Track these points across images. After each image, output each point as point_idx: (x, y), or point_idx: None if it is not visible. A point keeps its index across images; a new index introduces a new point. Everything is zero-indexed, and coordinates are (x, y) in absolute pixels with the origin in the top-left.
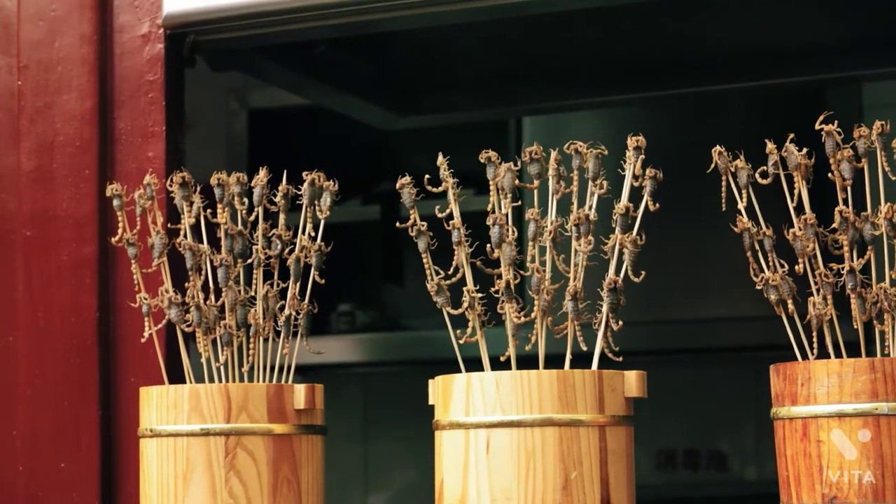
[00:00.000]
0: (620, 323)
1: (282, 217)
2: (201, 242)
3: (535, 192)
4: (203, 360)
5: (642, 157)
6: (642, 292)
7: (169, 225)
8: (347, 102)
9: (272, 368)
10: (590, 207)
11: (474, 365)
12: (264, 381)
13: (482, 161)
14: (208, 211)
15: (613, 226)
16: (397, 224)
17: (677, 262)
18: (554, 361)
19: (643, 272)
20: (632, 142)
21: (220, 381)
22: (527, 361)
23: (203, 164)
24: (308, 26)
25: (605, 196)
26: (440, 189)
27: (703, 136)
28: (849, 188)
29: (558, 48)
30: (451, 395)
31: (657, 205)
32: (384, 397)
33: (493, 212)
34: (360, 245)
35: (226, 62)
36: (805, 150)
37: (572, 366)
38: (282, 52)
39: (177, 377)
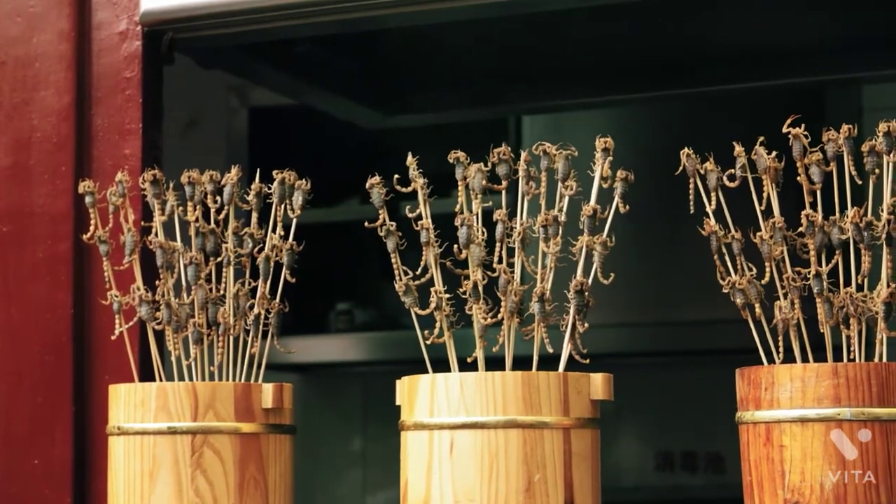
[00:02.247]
0: (586, 325)
1: (254, 215)
2: (177, 240)
3: (504, 192)
4: (173, 358)
5: (610, 158)
6: (644, 294)
7: (143, 222)
8: (335, 101)
9: (251, 366)
10: (560, 209)
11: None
12: (238, 379)
13: (450, 161)
14: (180, 209)
15: (581, 227)
16: (366, 224)
17: (680, 264)
18: (527, 363)
19: (612, 274)
20: (599, 143)
21: (191, 379)
22: (498, 363)
23: (203, 162)
24: (286, 25)
25: (576, 197)
26: (409, 189)
27: (700, 137)
28: (818, 192)
29: (550, 47)
30: (416, 395)
31: (627, 207)
32: (383, 396)
33: (462, 212)
34: (358, 244)
35: (210, 60)
36: (774, 153)
37: (547, 368)
38: (268, 51)
39: (151, 375)
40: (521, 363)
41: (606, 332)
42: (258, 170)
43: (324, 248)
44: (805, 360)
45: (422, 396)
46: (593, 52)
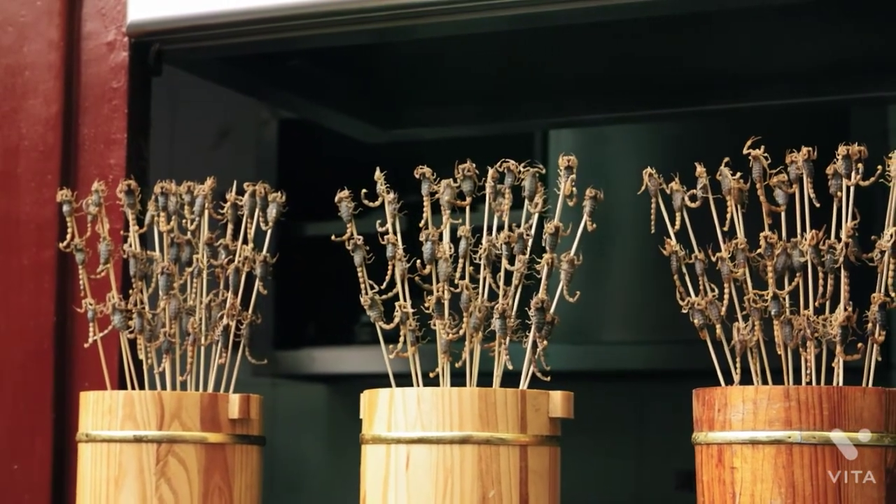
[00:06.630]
0: (545, 342)
1: (229, 227)
2: (156, 250)
3: (468, 209)
4: (145, 367)
5: (573, 177)
6: (664, 311)
7: (122, 232)
8: (342, 118)
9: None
10: (530, 227)
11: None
12: (216, 390)
13: (417, 176)
14: (156, 218)
15: (543, 245)
16: (333, 237)
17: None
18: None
19: (578, 292)
20: (563, 161)
21: (164, 388)
22: (464, 378)
23: (234, 172)
24: (275, 38)
25: (544, 215)
26: (376, 204)
27: (723, 155)
28: (782, 214)
29: (569, 62)
30: (376, 409)
31: (594, 225)
32: None
33: (427, 227)
34: (382, 256)
35: (204, 73)
36: (738, 174)
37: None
38: (263, 64)
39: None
40: (490, 379)
41: (627, 349)
42: (234, 182)
43: (350, 260)
44: (764, 382)
45: (381, 410)
46: (609, 67)
